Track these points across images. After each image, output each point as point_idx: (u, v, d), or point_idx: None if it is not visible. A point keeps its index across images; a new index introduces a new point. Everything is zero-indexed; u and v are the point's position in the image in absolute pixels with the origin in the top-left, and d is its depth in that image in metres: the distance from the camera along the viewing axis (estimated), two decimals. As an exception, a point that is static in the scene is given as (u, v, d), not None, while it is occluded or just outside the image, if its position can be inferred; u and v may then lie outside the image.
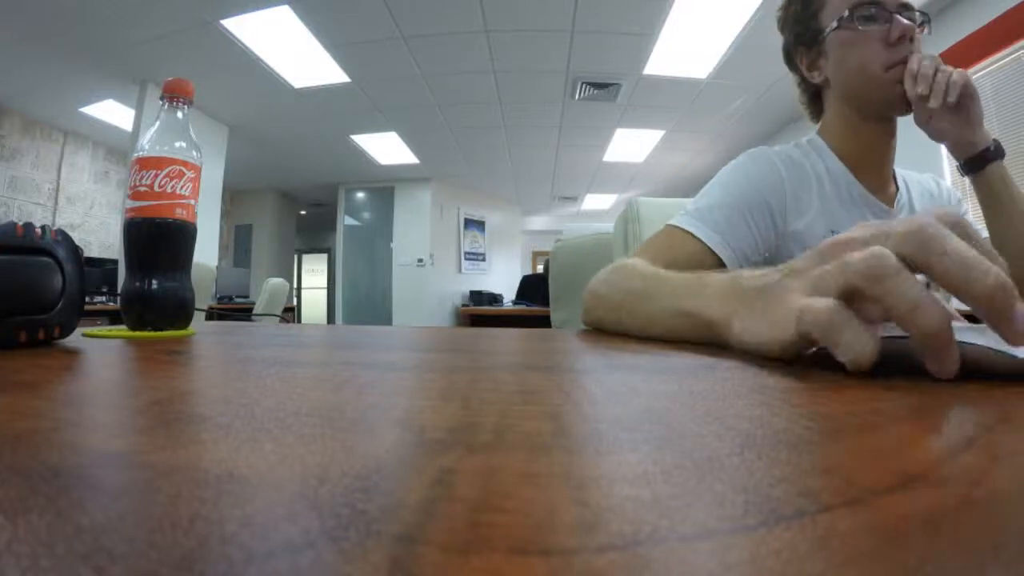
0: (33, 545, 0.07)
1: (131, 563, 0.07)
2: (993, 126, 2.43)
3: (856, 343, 0.21)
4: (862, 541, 0.08)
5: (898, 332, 0.22)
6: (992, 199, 0.64)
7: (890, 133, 0.69)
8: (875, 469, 0.11)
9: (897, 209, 0.70)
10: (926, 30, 0.64)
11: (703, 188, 0.67)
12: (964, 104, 0.60)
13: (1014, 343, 0.20)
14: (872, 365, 0.22)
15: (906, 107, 0.63)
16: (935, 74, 0.59)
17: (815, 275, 0.26)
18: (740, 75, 3.35)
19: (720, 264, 0.61)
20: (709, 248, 0.61)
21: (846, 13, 0.63)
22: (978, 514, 0.09)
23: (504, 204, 6.97)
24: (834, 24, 0.65)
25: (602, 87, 3.62)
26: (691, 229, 0.62)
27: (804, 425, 0.15)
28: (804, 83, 0.74)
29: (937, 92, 0.59)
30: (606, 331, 0.51)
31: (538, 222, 8.20)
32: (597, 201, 6.71)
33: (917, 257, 0.22)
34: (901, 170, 0.75)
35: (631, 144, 4.68)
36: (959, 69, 0.60)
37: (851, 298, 0.23)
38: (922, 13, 0.64)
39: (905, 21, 0.61)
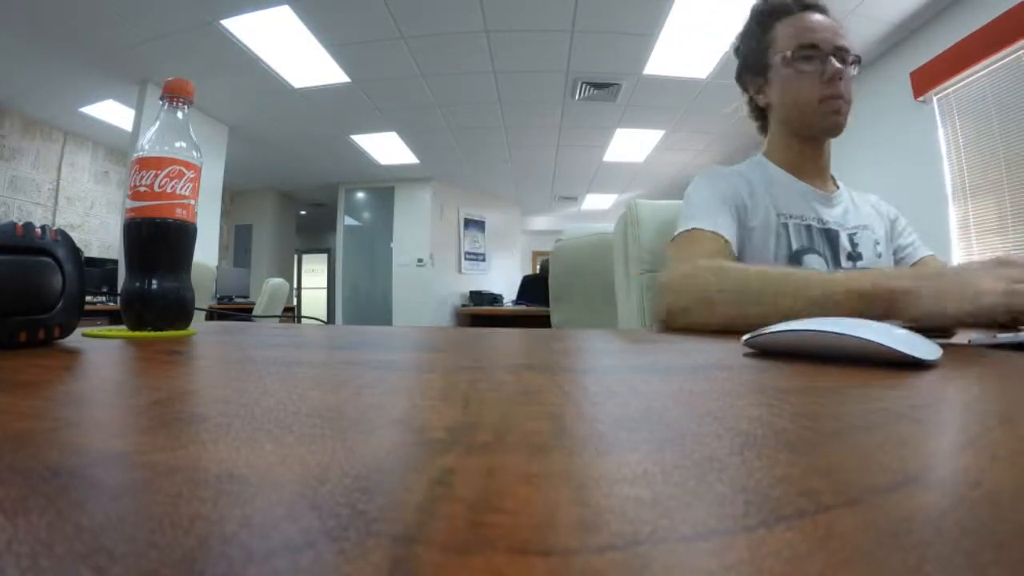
0: (33, 545, 0.07)
1: (131, 563, 0.07)
2: (993, 126, 2.43)
3: None
4: (862, 541, 0.08)
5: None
6: None
7: (822, 149, 0.80)
8: (875, 469, 0.11)
9: (837, 199, 0.80)
10: (856, 70, 0.76)
11: (685, 206, 0.77)
12: None
13: None
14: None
15: (836, 131, 0.74)
16: None
17: (1007, 274, 0.39)
18: (740, 75, 3.35)
19: (729, 249, 0.70)
20: (726, 240, 0.70)
21: (789, 53, 0.75)
22: (978, 514, 0.09)
23: (504, 204, 6.96)
24: (778, 61, 0.76)
25: (602, 87, 3.62)
26: (712, 228, 0.71)
27: (804, 425, 0.15)
28: (752, 104, 0.87)
29: None
30: (715, 330, 0.55)
31: (538, 222, 8.19)
32: (597, 201, 6.71)
33: None
34: (848, 187, 0.85)
35: (631, 144, 4.67)
36: None
37: None
38: (855, 55, 0.75)
39: (837, 64, 0.72)
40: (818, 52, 0.73)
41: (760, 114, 0.86)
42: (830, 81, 0.72)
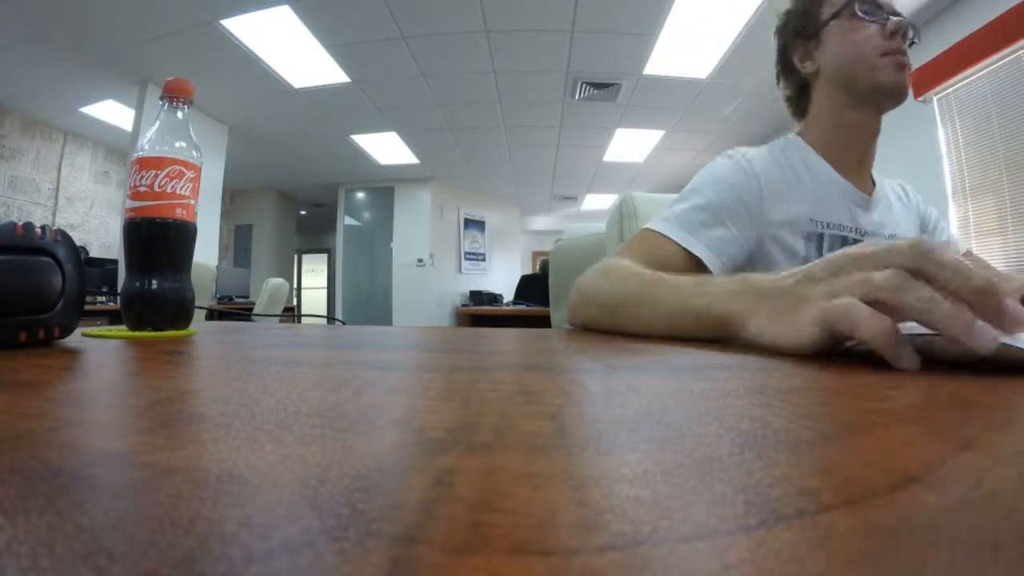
0: (33, 545, 0.07)
1: (131, 563, 0.07)
2: (993, 126, 2.43)
3: (874, 324, 0.25)
4: (862, 541, 0.08)
5: (917, 330, 0.26)
6: None
7: (875, 127, 0.71)
8: (875, 469, 0.11)
9: (876, 200, 0.72)
10: (915, 39, 0.68)
11: (682, 191, 0.70)
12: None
13: (1009, 330, 0.24)
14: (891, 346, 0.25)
15: (900, 91, 0.66)
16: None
17: (834, 285, 0.30)
18: (740, 75, 3.36)
19: (698, 264, 0.62)
20: (685, 250, 0.62)
21: (848, 2, 0.68)
22: (978, 514, 0.09)
23: (504, 204, 6.96)
24: (835, 9, 0.69)
25: (602, 87, 3.62)
26: (668, 233, 0.63)
27: (804, 425, 0.15)
28: (792, 78, 0.77)
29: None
30: (596, 330, 0.53)
31: (538, 222, 8.20)
32: (597, 201, 6.71)
33: (920, 267, 0.26)
34: (878, 175, 0.77)
35: (631, 144, 4.68)
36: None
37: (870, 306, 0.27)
38: (912, 24, 0.67)
39: (901, 18, 0.65)
40: (877, 8, 0.67)
41: (800, 91, 0.77)
42: (893, 35, 0.65)
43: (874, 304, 0.27)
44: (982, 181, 2.52)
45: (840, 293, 0.29)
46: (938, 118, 2.71)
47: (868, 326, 0.26)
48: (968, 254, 0.78)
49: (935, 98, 2.72)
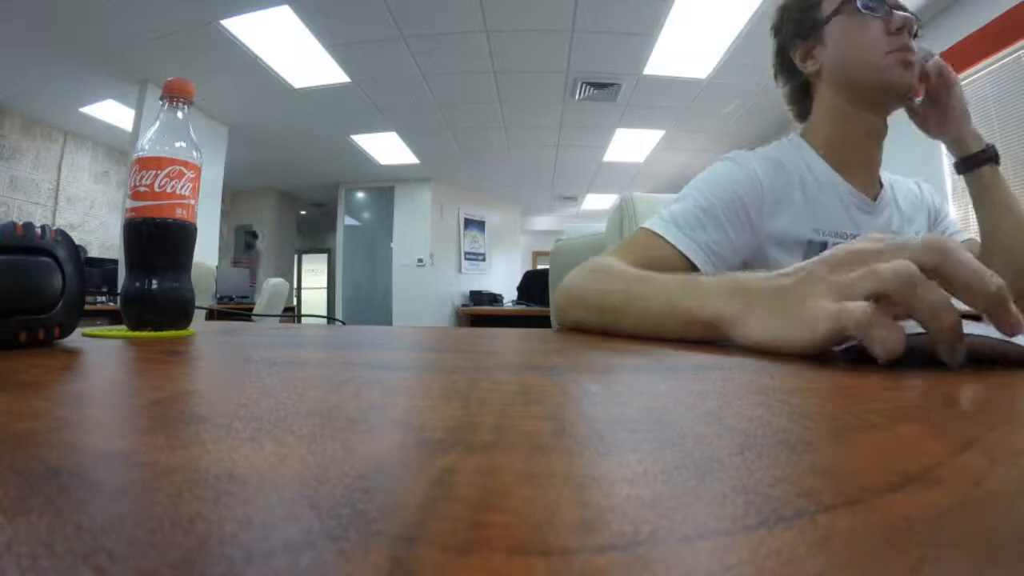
0: (33, 545, 0.07)
1: (131, 563, 0.07)
2: (993, 126, 2.43)
3: (889, 339, 0.25)
4: (862, 541, 0.08)
5: (916, 330, 0.25)
6: (983, 199, 0.68)
7: (879, 129, 0.69)
8: (875, 469, 0.11)
9: (881, 206, 0.70)
10: (919, 33, 0.67)
11: (681, 191, 0.68)
12: (942, 96, 0.66)
13: (1010, 332, 0.25)
14: (899, 356, 0.25)
15: (904, 87, 0.64)
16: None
17: (838, 282, 0.29)
18: (740, 75, 3.35)
19: (691, 267, 0.61)
20: (679, 251, 0.61)
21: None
22: (978, 514, 0.09)
23: (504, 204, 6.97)
24: (836, 5, 0.66)
25: (602, 87, 3.62)
26: (662, 233, 0.62)
27: (804, 425, 0.15)
28: (793, 78, 0.75)
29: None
30: (584, 331, 0.53)
31: (538, 222, 8.20)
32: (597, 201, 6.71)
33: (937, 266, 0.26)
34: (888, 174, 0.76)
35: (631, 144, 4.68)
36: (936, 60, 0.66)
37: (876, 302, 0.26)
38: (916, 17, 0.65)
39: (906, 13, 0.64)
40: (880, 2, 0.64)
41: (802, 92, 0.75)
42: (898, 32, 0.62)
43: (878, 298, 0.26)
44: (982, 181, 2.52)
45: (845, 289, 0.28)
46: (938, 118, 2.71)
47: (880, 339, 0.25)
48: (973, 242, 0.74)
49: (935, 98, 2.72)
